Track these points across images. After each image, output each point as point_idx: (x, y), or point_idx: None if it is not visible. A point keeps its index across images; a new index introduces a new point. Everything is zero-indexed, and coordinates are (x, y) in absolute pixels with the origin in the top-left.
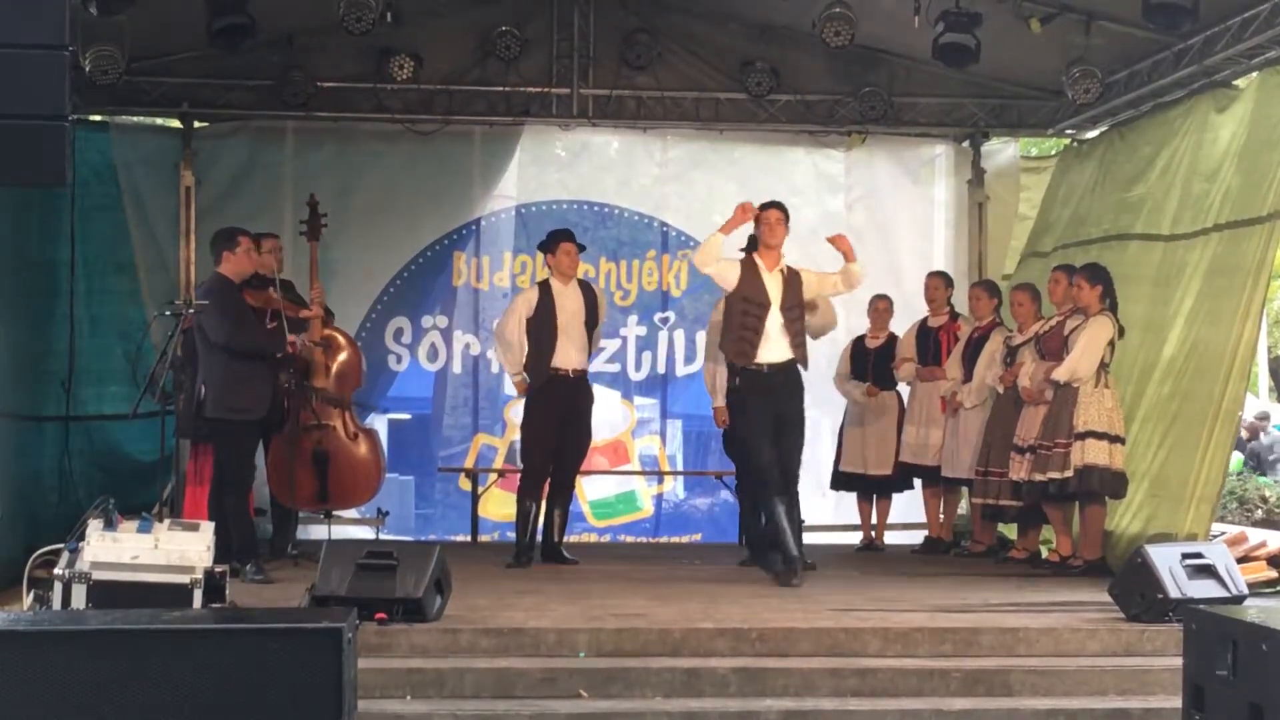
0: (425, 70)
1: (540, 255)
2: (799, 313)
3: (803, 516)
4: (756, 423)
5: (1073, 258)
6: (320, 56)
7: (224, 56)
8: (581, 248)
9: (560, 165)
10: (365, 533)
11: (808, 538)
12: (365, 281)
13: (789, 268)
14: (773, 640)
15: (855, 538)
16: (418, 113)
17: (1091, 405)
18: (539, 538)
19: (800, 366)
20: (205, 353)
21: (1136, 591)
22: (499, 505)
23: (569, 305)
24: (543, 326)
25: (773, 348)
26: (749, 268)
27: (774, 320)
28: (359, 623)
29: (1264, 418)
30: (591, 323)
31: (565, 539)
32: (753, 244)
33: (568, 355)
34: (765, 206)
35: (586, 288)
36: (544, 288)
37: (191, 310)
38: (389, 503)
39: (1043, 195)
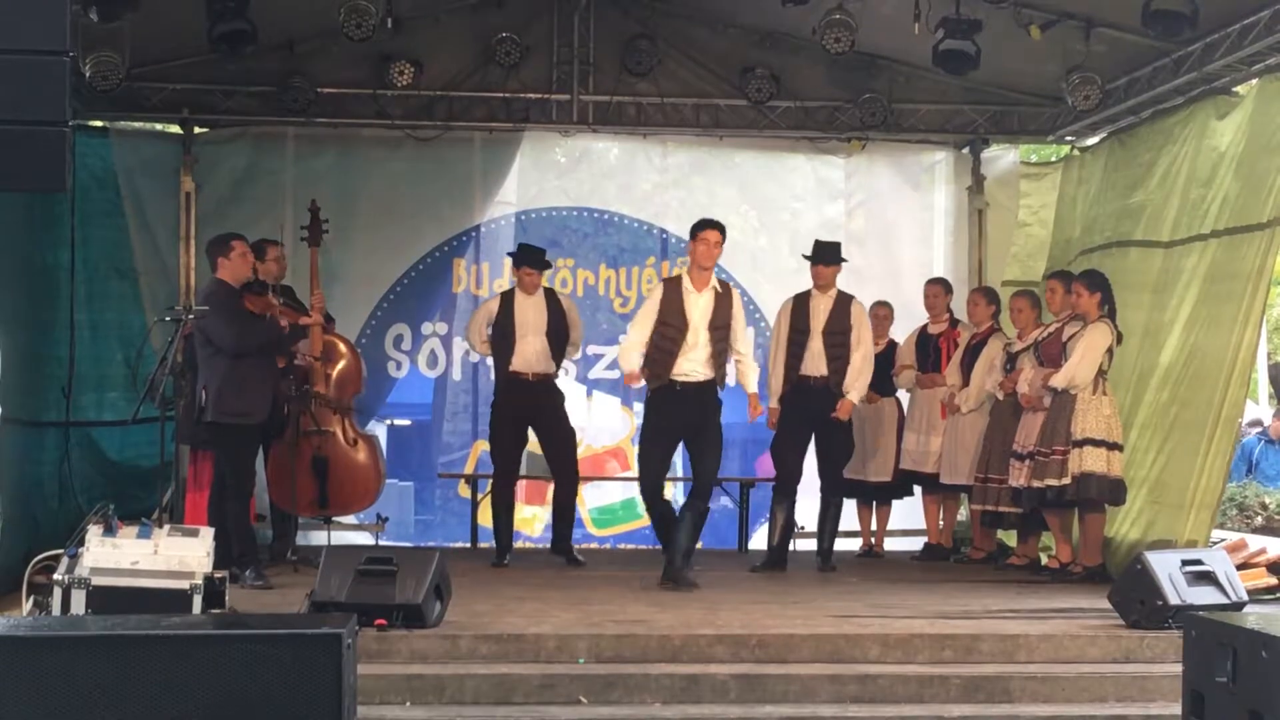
0: (425, 76)
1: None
2: (724, 333)
3: (800, 523)
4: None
5: (1078, 266)
6: (321, 62)
7: (224, 62)
8: (546, 265)
9: (560, 171)
10: (365, 538)
11: (807, 543)
12: (366, 287)
13: (724, 287)
14: (773, 646)
15: (855, 544)
16: (418, 119)
17: (1089, 412)
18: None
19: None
20: (205, 357)
21: (1136, 598)
22: None
23: (528, 316)
24: (501, 333)
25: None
26: (673, 291)
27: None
28: (358, 628)
29: (1255, 424)
30: (555, 332)
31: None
32: (822, 255)
33: (525, 359)
34: (704, 225)
35: (552, 299)
36: (505, 297)
37: (192, 316)
38: (388, 509)
39: (1054, 213)
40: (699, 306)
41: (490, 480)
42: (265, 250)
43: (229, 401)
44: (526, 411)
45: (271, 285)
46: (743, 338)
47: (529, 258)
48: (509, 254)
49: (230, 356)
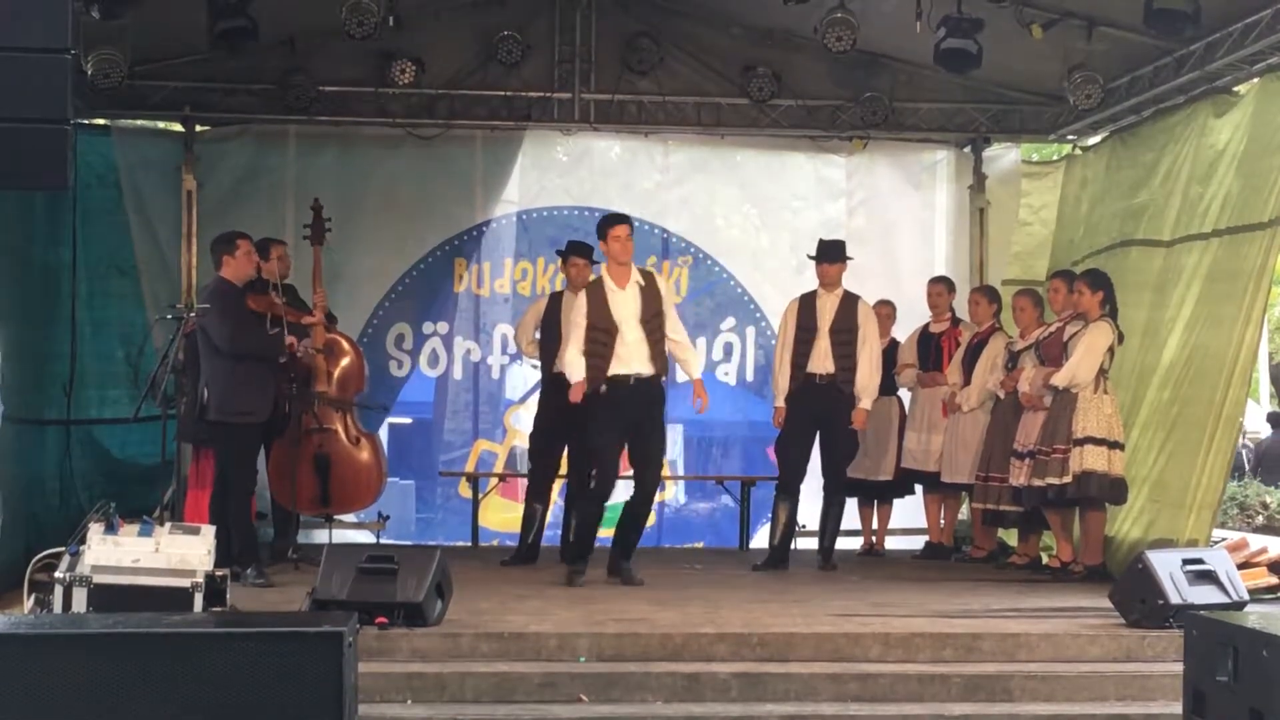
0: (427, 74)
1: (541, 262)
2: (658, 323)
3: (801, 521)
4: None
5: (1086, 267)
6: (322, 60)
7: (226, 60)
8: (594, 261)
9: (562, 170)
10: (366, 537)
11: (808, 542)
12: (367, 286)
13: (646, 277)
14: (773, 645)
15: (856, 543)
16: (419, 117)
17: (1090, 411)
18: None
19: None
20: (208, 356)
21: (1137, 597)
22: (497, 512)
23: (573, 316)
24: (548, 334)
25: (633, 361)
26: (595, 292)
27: (630, 334)
28: (359, 627)
29: None
30: None
31: None
32: (826, 253)
33: None
34: (611, 222)
35: None
36: (554, 299)
37: (193, 314)
38: (390, 507)
39: (1056, 213)
40: (626, 304)
41: (492, 479)
42: (270, 249)
43: (231, 400)
44: (570, 413)
45: (274, 284)
46: (675, 323)
47: (577, 248)
48: (558, 251)
49: (226, 357)
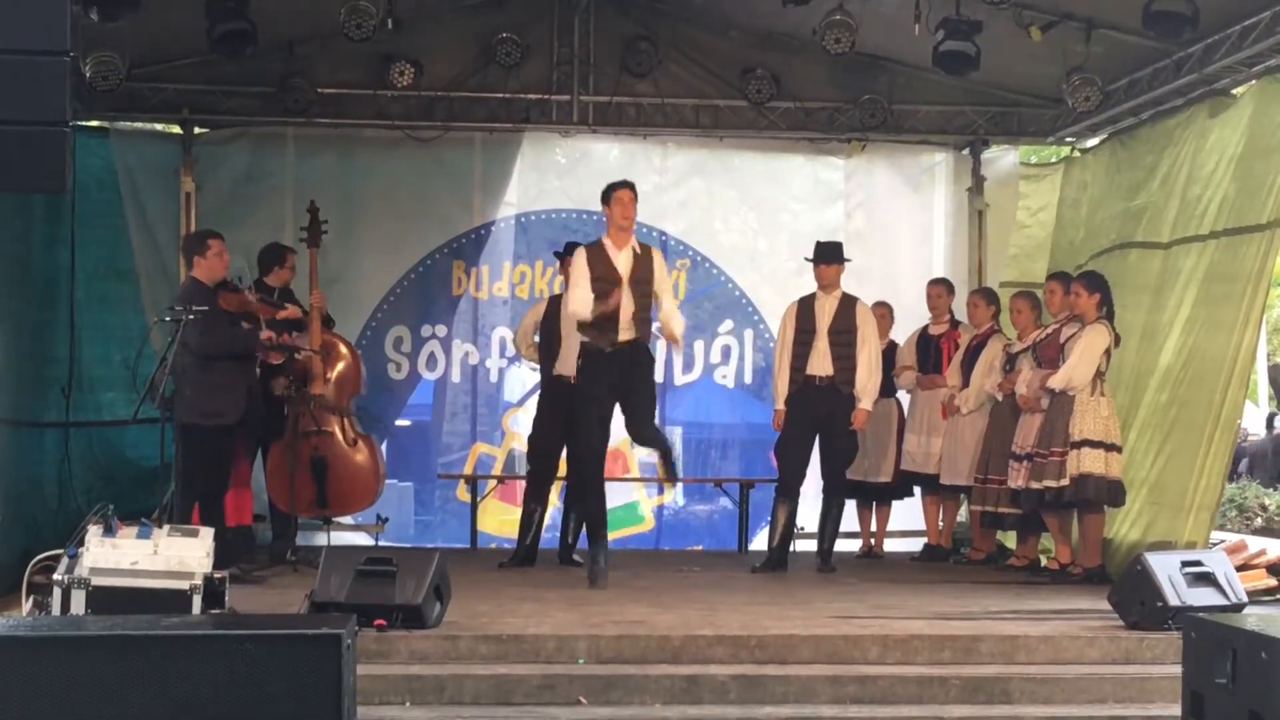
0: (426, 77)
1: (539, 265)
2: (646, 290)
3: (800, 523)
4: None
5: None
6: (321, 63)
7: (225, 63)
8: None
9: (560, 172)
10: (364, 539)
11: (807, 544)
12: (365, 289)
13: (644, 249)
14: (772, 647)
15: (855, 545)
16: (418, 119)
17: (1087, 414)
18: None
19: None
20: (182, 358)
21: (1136, 599)
22: (495, 516)
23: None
24: (547, 336)
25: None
26: (596, 250)
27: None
28: (358, 629)
29: None
30: None
31: None
32: (824, 255)
33: (566, 363)
34: (616, 185)
35: None
36: (552, 301)
37: (191, 317)
38: (388, 509)
39: (1054, 215)
40: (622, 265)
41: (490, 482)
42: (285, 257)
43: (202, 402)
44: (566, 414)
45: (251, 284)
46: (667, 296)
47: (574, 249)
48: (555, 253)
49: (198, 358)
